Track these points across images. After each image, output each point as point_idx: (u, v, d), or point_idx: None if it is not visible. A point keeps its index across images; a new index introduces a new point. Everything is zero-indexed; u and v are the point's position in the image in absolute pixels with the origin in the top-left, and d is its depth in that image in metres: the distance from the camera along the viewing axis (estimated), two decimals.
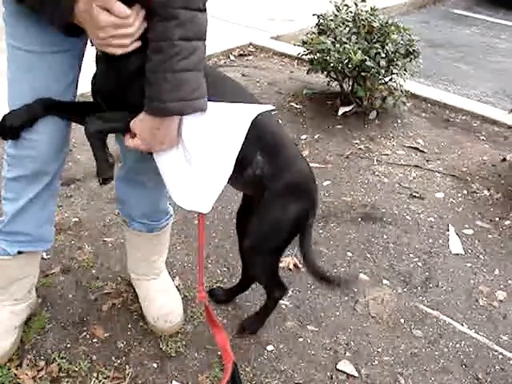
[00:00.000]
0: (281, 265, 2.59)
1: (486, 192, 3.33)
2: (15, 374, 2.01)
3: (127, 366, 2.08)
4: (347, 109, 3.98)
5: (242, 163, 1.78)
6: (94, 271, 2.49)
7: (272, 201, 1.89)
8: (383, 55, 3.72)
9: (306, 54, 4.03)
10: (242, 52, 5.20)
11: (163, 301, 2.25)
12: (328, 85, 4.20)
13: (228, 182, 1.81)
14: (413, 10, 8.07)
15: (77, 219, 2.81)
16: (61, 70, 1.74)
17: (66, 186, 3.01)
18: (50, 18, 1.53)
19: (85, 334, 2.20)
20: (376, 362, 2.19)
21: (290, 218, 1.92)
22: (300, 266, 2.60)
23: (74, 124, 1.87)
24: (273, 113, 1.89)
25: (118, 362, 2.09)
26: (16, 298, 2.11)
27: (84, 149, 3.37)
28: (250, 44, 5.34)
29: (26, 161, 1.81)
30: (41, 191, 1.90)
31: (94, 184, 3.08)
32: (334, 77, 4.03)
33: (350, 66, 3.70)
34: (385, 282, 2.58)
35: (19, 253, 2.00)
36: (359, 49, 3.69)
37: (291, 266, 2.61)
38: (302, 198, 1.92)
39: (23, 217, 1.93)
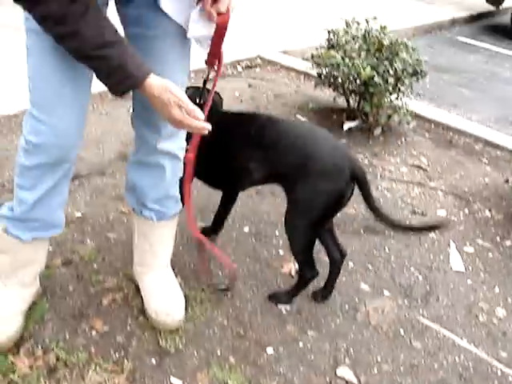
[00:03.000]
0: (282, 270, 2.61)
1: (487, 212, 3.34)
2: (12, 362, 1.99)
3: (125, 360, 2.05)
4: (352, 124, 4.00)
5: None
6: (95, 265, 2.47)
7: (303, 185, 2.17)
8: (391, 73, 3.75)
9: (315, 68, 4.04)
10: (249, 64, 5.23)
11: (166, 295, 2.25)
12: (334, 100, 4.22)
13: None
14: (418, 34, 8.14)
15: (80, 214, 2.80)
16: None
17: (70, 182, 2.97)
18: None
19: (84, 326, 2.18)
20: (375, 371, 2.18)
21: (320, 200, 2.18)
22: None
23: None
24: None
25: (117, 355, 2.07)
26: (25, 282, 2.12)
27: (89, 146, 3.37)
28: (258, 56, 5.36)
29: (50, 149, 1.82)
30: (61, 178, 1.92)
31: (97, 181, 3.08)
32: (341, 92, 4.05)
33: (358, 81, 3.73)
34: (385, 293, 2.58)
35: (32, 239, 2.01)
36: (368, 65, 3.71)
37: (293, 273, 2.60)
38: (331, 180, 2.16)
39: (41, 204, 1.93)
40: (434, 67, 6.23)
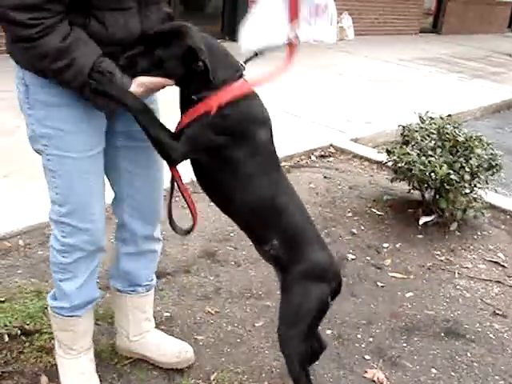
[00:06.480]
0: (366, 376, 2.64)
1: None
2: None
3: None
4: (429, 219, 4.05)
5: (259, 239, 2.09)
6: (185, 369, 2.56)
7: (291, 286, 2.07)
8: (467, 169, 3.81)
9: (392, 164, 4.14)
10: (322, 153, 5.37)
11: (172, 340, 2.59)
12: (409, 192, 4.29)
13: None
14: (486, 114, 8.16)
15: (168, 314, 2.92)
16: (101, 168, 2.06)
17: (158, 279, 3.12)
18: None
19: None
20: None
21: (310, 305, 2.06)
22: (385, 380, 2.61)
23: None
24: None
25: None
26: (87, 347, 2.34)
27: (173, 242, 3.53)
28: (331, 145, 5.51)
29: (84, 246, 2.07)
30: (96, 265, 2.19)
31: (183, 279, 3.21)
32: (417, 186, 4.13)
33: (433, 177, 3.79)
34: None
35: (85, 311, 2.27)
36: (444, 162, 3.79)
37: (375, 378, 2.62)
38: (321, 284, 2.06)
39: (83, 289, 2.18)
40: (506, 150, 6.22)
